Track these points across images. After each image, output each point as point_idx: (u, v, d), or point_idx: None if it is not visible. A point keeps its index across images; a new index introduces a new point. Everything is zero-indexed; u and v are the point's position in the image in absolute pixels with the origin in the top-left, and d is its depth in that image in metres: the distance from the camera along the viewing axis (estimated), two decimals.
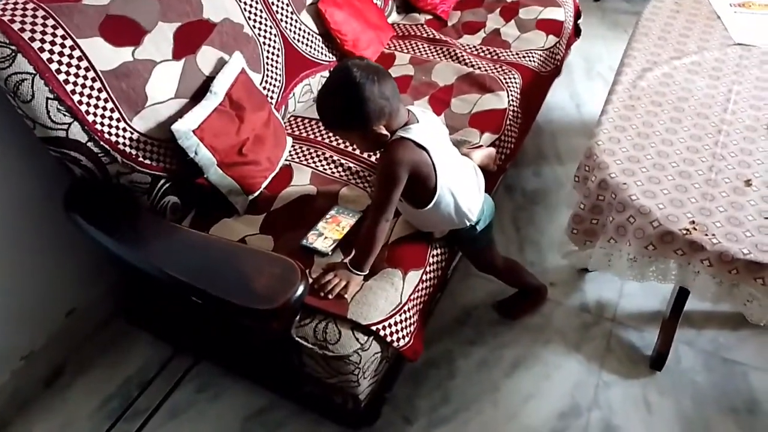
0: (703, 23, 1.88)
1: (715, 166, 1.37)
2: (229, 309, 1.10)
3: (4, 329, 1.45)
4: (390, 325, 1.24)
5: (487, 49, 2.01)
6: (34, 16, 1.16)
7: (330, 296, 1.23)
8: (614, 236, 1.32)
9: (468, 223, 1.36)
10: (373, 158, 1.58)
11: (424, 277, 1.35)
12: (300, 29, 1.75)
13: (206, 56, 1.45)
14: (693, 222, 1.24)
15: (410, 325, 1.29)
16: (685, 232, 1.22)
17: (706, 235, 1.21)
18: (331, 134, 1.65)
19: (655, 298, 1.70)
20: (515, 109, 1.80)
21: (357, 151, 1.59)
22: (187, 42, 1.41)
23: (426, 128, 1.26)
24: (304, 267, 1.26)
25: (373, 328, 1.21)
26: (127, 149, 1.29)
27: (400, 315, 1.26)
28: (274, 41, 1.66)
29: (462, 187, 1.32)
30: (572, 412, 1.48)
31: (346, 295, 1.23)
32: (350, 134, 1.26)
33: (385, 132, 1.20)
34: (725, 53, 1.75)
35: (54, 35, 1.18)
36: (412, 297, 1.30)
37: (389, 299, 1.26)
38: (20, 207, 1.40)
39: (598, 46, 2.79)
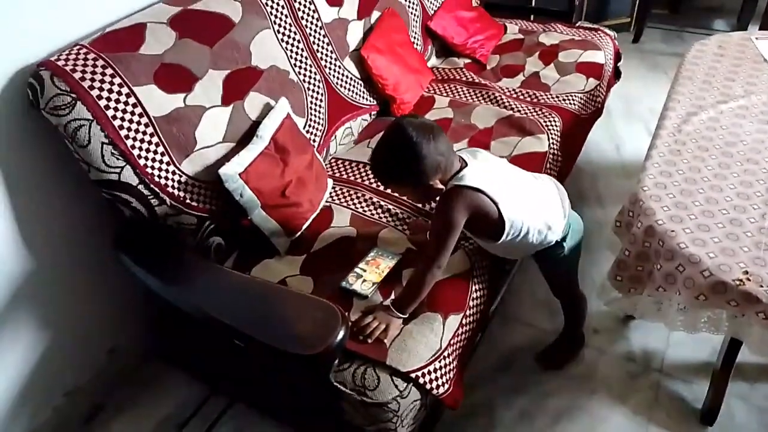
0: (749, 66, 1.86)
1: None
2: (269, 352, 1.10)
3: (49, 367, 1.48)
4: (429, 372, 1.21)
5: (527, 92, 2.02)
6: (95, 66, 1.22)
7: (369, 340, 1.22)
8: (663, 285, 1.28)
9: (552, 241, 1.35)
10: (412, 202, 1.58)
11: (463, 321, 1.33)
12: (343, 75, 1.79)
13: (253, 102, 1.49)
14: (746, 272, 1.19)
15: (450, 371, 1.26)
16: (738, 282, 1.17)
17: (761, 286, 1.16)
18: (371, 177, 1.67)
19: (704, 348, 1.63)
20: (555, 152, 1.79)
21: (396, 194, 1.60)
22: (235, 88, 1.46)
23: (477, 168, 1.27)
24: (343, 309, 1.27)
25: (413, 375, 1.19)
26: (176, 192, 1.33)
27: (440, 361, 1.24)
28: (318, 86, 1.70)
29: (537, 208, 1.33)
30: None
31: (385, 340, 1.22)
32: (405, 189, 1.29)
33: (440, 186, 1.24)
34: None
35: (112, 83, 1.24)
36: (452, 342, 1.28)
37: (429, 345, 1.24)
38: (68, 245, 1.44)
39: (638, 87, 2.77)
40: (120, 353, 1.65)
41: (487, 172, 1.28)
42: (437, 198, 1.28)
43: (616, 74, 2.31)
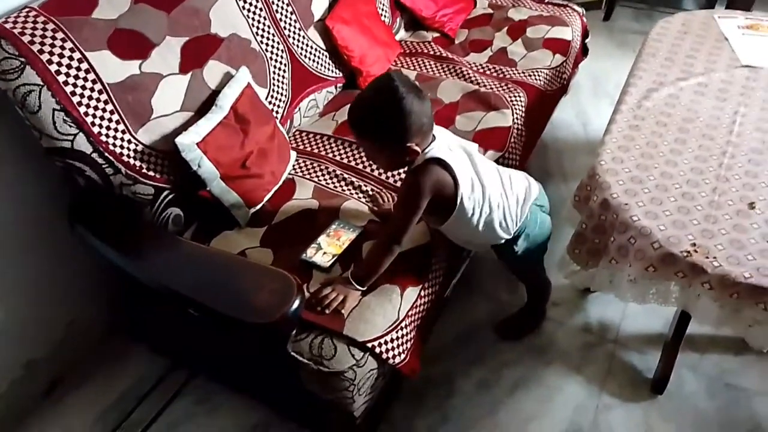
0: (710, 45, 1.88)
1: (719, 188, 1.36)
2: (226, 322, 1.10)
3: (4, 339, 1.46)
4: (386, 342, 1.23)
5: (494, 67, 2.02)
6: (44, 29, 1.19)
7: (327, 311, 1.23)
8: (615, 257, 1.31)
9: (501, 239, 1.35)
10: (376, 172, 1.58)
11: (422, 293, 1.34)
12: (307, 45, 1.77)
13: (213, 70, 1.47)
14: (694, 244, 1.22)
15: (407, 341, 1.28)
16: (686, 254, 1.21)
17: (708, 257, 1.20)
18: (335, 149, 1.66)
19: (658, 320, 1.68)
20: (519, 127, 1.80)
21: (360, 166, 1.60)
22: (194, 56, 1.43)
23: (444, 142, 1.26)
24: (302, 281, 1.28)
25: (369, 344, 1.20)
26: (131, 161, 1.31)
27: (397, 332, 1.26)
28: (281, 57, 1.68)
29: (493, 201, 1.31)
30: None
31: (342, 311, 1.23)
32: (382, 145, 1.23)
33: (417, 149, 1.20)
34: (732, 75, 1.74)
35: (62, 48, 1.20)
36: (409, 314, 1.30)
37: (386, 316, 1.25)
38: (24, 216, 1.41)
39: (606, 65, 2.79)
40: (80, 326, 1.64)
41: (451, 149, 1.28)
42: (407, 166, 1.26)
43: (584, 51, 2.32)
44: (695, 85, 1.70)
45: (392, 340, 1.24)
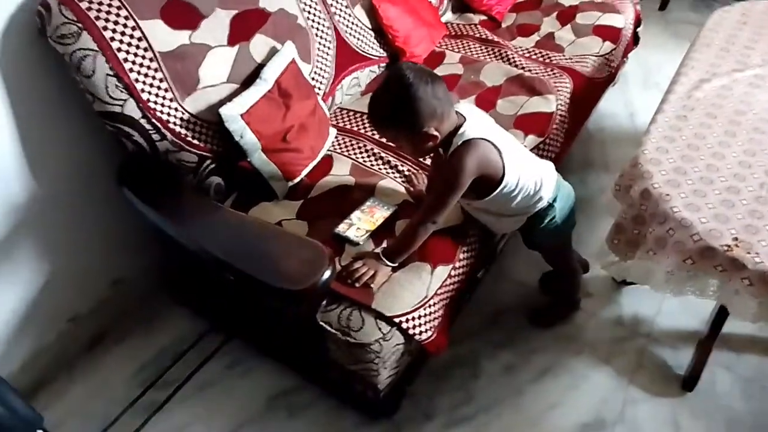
0: None
1: (767, 184, 1.31)
2: (259, 287, 1.14)
3: (54, 292, 1.54)
4: (414, 318, 1.25)
5: (540, 52, 1.98)
6: None
7: (357, 284, 1.25)
8: (653, 248, 1.29)
9: (543, 202, 1.34)
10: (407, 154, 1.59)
11: (452, 273, 1.35)
12: (353, 23, 1.78)
13: (259, 44, 1.50)
14: (736, 239, 1.19)
15: (434, 319, 1.29)
16: (726, 248, 1.18)
17: (749, 253, 1.16)
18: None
19: (695, 317, 1.64)
20: (563, 113, 1.77)
21: (392, 144, 1.60)
22: (241, 29, 1.46)
23: (478, 121, 1.26)
24: (334, 254, 1.30)
25: (397, 320, 1.22)
26: (177, 128, 1.36)
27: (425, 309, 1.27)
28: (327, 34, 1.69)
29: (529, 163, 1.33)
30: (596, 425, 1.45)
31: (372, 285, 1.25)
32: (399, 134, 1.25)
33: (436, 133, 1.20)
34: None
35: (118, 15, 1.25)
36: (438, 292, 1.31)
37: (415, 292, 1.27)
38: (77, 174, 1.48)
39: (659, 55, 2.70)
40: (124, 285, 1.71)
41: (486, 125, 1.29)
42: (431, 152, 1.27)
43: (635, 40, 2.25)
44: (751, 77, 1.63)
45: (420, 317, 1.26)
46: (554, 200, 1.36)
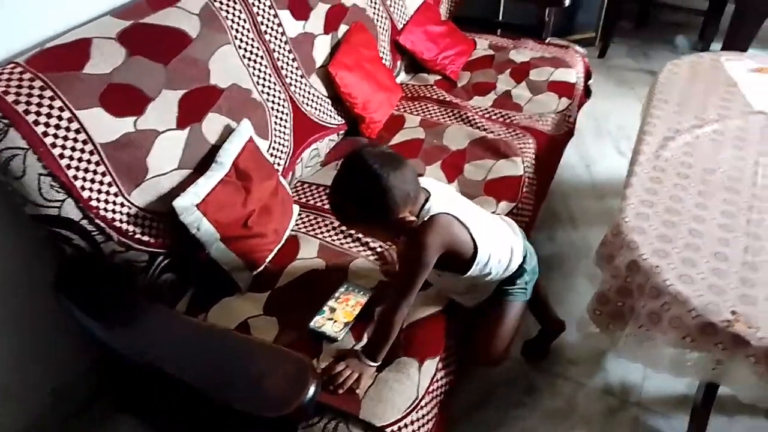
0: (722, 89, 1.84)
1: (751, 247, 1.29)
2: (236, 414, 0.99)
3: None
4: (406, 425, 1.12)
5: (499, 112, 1.96)
6: (31, 87, 1.09)
7: (340, 390, 1.12)
8: (646, 324, 1.23)
9: (514, 266, 1.31)
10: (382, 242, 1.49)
11: (440, 365, 1.24)
12: (309, 93, 1.69)
13: (212, 124, 1.37)
14: (734, 312, 1.14)
15: (429, 421, 1.17)
16: (727, 323, 1.13)
17: (750, 327, 1.12)
18: None
19: (681, 380, 1.59)
20: (531, 175, 1.73)
21: (363, 235, 1.49)
22: (192, 109, 1.34)
23: (441, 196, 1.20)
24: (312, 354, 1.19)
25: (388, 429, 1.09)
26: (124, 226, 1.20)
27: (418, 411, 1.15)
28: (283, 106, 1.59)
29: (498, 232, 1.30)
30: None
31: (358, 390, 1.13)
32: (374, 226, 1.18)
33: (412, 218, 1.14)
34: (747, 121, 1.69)
35: (51, 107, 1.10)
36: (429, 390, 1.19)
37: (405, 393, 1.15)
38: (5, 281, 1.30)
39: (606, 104, 2.76)
40: (62, 394, 1.50)
41: (450, 198, 1.23)
42: (406, 232, 1.19)
43: (587, 93, 2.27)
44: (711, 133, 1.65)
45: (413, 422, 1.13)
46: (524, 260, 1.34)
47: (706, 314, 1.14)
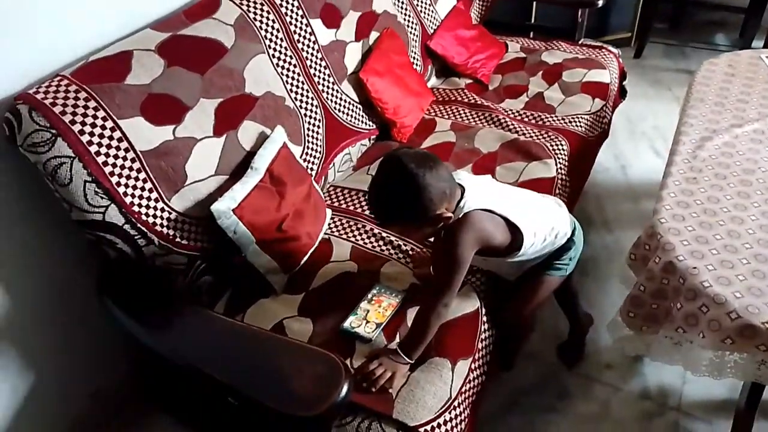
0: (761, 87, 1.79)
1: None
2: (266, 413, 1.01)
3: (28, 410, 1.38)
4: (439, 425, 1.13)
5: (531, 114, 1.95)
6: (76, 98, 1.14)
7: (373, 389, 1.13)
8: (683, 326, 1.21)
9: (563, 237, 1.32)
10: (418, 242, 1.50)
11: (473, 366, 1.24)
12: (341, 99, 1.72)
13: (248, 131, 1.41)
14: None
15: (461, 422, 1.18)
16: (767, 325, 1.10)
17: None
18: None
19: (724, 384, 1.55)
20: (564, 177, 1.71)
21: (402, 236, 1.51)
22: (228, 117, 1.38)
23: (477, 190, 1.21)
24: (345, 354, 1.20)
25: (421, 429, 1.10)
26: (165, 230, 1.25)
27: (450, 412, 1.16)
28: (316, 112, 1.62)
29: (540, 211, 1.31)
30: None
31: (390, 389, 1.14)
32: (410, 226, 1.20)
33: (449, 214, 1.16)
34: None
35: (95, 117, 1.15)
36: (462, 390, 1.20)
37: (438, 394, 1.16)
38: (49, 286, 1.35)
39: (641, 104, 2.71)
40: (103, 396, 1.55)
41: (486, 191, 1.24)
42: (442, 230, 1.21)
43: (622, 93, 2.24)
44: (751, 132, 1.61)
45: (446, 422, 1.14)
46: (573, 233, 1.35)
47: (746, 316, 1.12)
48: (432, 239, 1.40)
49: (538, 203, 1.35)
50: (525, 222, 1.23)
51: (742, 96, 1.76)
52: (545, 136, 1.82)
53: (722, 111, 1.70)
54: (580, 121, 1.91)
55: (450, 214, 1.16)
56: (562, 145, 1.79)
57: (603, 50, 2.24)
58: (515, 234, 1.23)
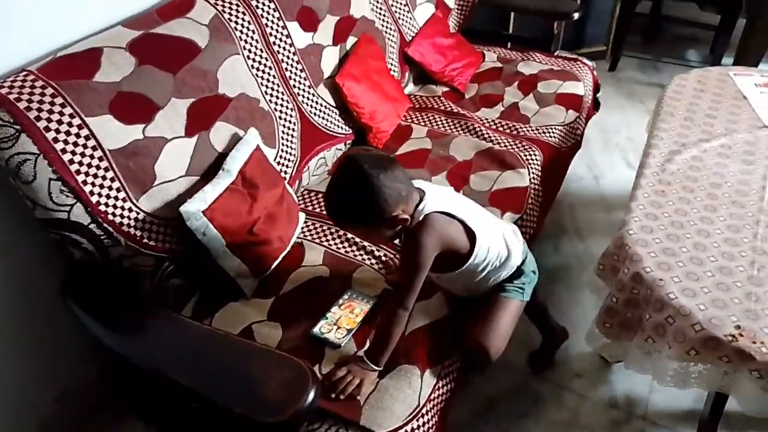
0: (729, 103, 1.83)
1: (757, 262, 1.28)
2: (233, 418, 0.99)
3: None
4: None
5: (506, 123, 1.96)
6: (42, 94, 1.11)
7: (342, 396, 1.12)
8: (653, 336, 1.22)
9: (513, 266, 1.31)
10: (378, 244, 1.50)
11: (442, 374, 1.24)
12: (317, 103, 1.71)
13: (220, 132, 1.39)
14: (739, 326, 1.14)
15: (429, 429, 1.17)
16: (731, 338, 1.12)
17: (755, 342, 1.11)
18: None
19: (689, 393, 1.56)
20: (537, 187, 1.73)
21: (360, 238, 1.50)
22: (200, 118, 1.36)
23: (436, 195, 1.22)
24: (314, 360, 1.19)
25: None
26: (132, 230, 1.22)
27: (418, 419, 1.15)
28: (291, 115, 1.61)
29: (495, 229, 1.30)
30: None
31: (359, 396, 1.13)
32: (370, 228, 1.20)
33: (405, 216, 1.16)
34: (756, 136, 1.68)
35: (61, 114, 1.13)
36: (431, 398, 1.19)
37: (406, 401, 1.15)
38: (11, 286, 1.32)
39: (615, 116, 2.76)
40: (70, 398, 1.51)
41: (446, 197, 1.25)
42: (403, 233, 1.21)
43: (596, 105, 2.27)
44: (719, 147, 1.64)
45: (413, 430, 1.13)
46: (523, 262, 1.34)
47: (710, 328, 1.14)
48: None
49: (496, 221, 1.36)
50: (480, 227, 1.24)
51: (711, 111, 1.80)
52: (519, 145, 1.84)
53: (691, 126, 1.74)
54: (553, 132, 1.93)
55: (407, 216, 1.16)
56: (535, 155, 1.81)
57: (578, 62, 2.27)
58: (471, 242, 1.23)
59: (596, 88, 2.26)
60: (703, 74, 1.99)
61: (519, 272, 1.34)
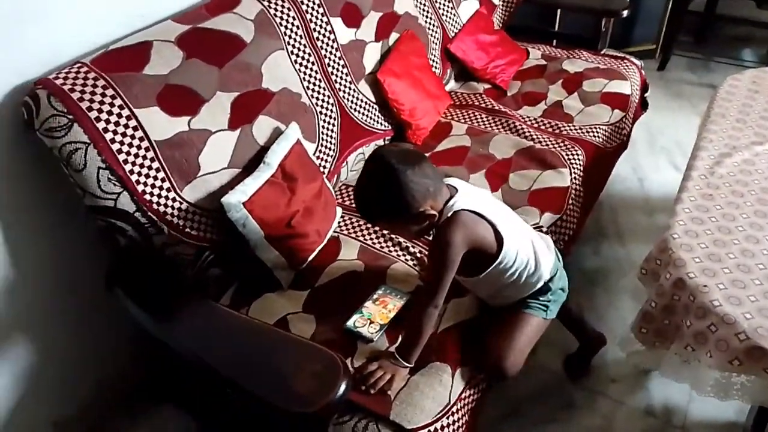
0: None
1: None
2: (265, 407, 1.02)
3: (35, 397, 1.40)
4: (437, 430, 1.12)
5: (548, 122, 1.93)
6: (94, 86, 1.16)
7: (372, 390, 1.13)
8: (692, 344, 1.19)
9: (540, 280, 1.28)
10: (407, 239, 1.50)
11: (473, 373, 1.24)
12: (358, 98, 1.72)
13: (262, 126, 1.42)
14: None
15: (459, 428, 1.17)
16: None
17: None
18: None
19: (730, 405, 1.52)
20: (578, 187, 1.70)
21: (389, 232, 1.50)
22: (244, 111, 1.39)
23: (468, 193, 1.21)
24: (346, 353, 1.20)
25: None
26: (175, 220, 1.26)
27: (448, 417, 1.15)
28: (331, 110, 1.63)
29: (527, 238, 1.27)
30: None
31: (389, 391, 1.14)
32: (397, 223, 1.20)
33: (433, 212, 1.15)
34: None
35: (112, 105, 1.17)
36: (462, 396, 1.19)
37: (436, 399, 1.15)
38: (59, 272, 1.37)
39: (662, 117, 2.68)
40: (109, 383, 1.57)
41: (478, 197, 1.23)
42: (431, 230, 1.20)
43: (643, 105, 2.21)
44: None
45: (443, 427, 1.14)
46: (551, 279, 1.29)
47: (755, 338, 1.10)
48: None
49: (526, 229, 1.32)
50: (509, 231, 1.22)
51: (765, 113, 1.73)
52: (561, 145, 1.80)
53: (743, 128, 1.67)
54: (597, 132, 1.89)
55: (434, 212, 1.15)
56: (578, 154, 1.77)
57: (625, 61, 2.22)
58: (499, 244, 1.21)
59: (644, 88, 2.20)
60: (758, 74, 1.92)
61: (546, 288, 1.30)
